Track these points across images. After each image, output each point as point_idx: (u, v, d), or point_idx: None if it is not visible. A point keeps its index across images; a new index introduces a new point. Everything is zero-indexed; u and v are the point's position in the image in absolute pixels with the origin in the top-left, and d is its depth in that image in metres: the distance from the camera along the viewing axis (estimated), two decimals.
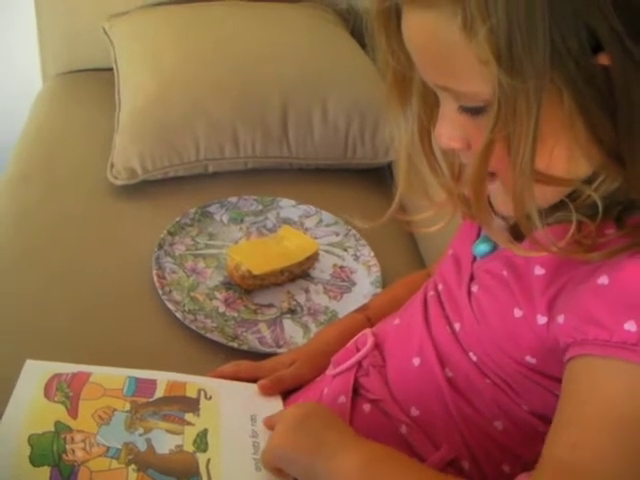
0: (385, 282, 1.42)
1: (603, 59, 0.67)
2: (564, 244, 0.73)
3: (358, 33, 1.95)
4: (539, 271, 0.79)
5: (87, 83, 2.03)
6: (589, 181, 0.74)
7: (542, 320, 0.78)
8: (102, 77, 1.93)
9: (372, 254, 1.49)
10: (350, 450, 0.77)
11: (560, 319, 0.75)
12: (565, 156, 0.72)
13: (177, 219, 1.51)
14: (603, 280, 0.72)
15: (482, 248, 0.88)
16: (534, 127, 0.68)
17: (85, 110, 1.90)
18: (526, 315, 0.79)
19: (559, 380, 0.77)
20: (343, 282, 1.45)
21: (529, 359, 0.80)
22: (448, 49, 0.70)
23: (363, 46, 1.86)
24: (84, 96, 1.97)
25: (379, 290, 1.39)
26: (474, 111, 0.73)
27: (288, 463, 0.82)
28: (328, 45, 1.84)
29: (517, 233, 0.79)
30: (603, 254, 0.72)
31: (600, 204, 0.72)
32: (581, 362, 0.73)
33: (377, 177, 1.74)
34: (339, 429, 0.81)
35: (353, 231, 1.54)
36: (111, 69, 1.85)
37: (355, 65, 1.80)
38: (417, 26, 0.73)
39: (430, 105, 0.82)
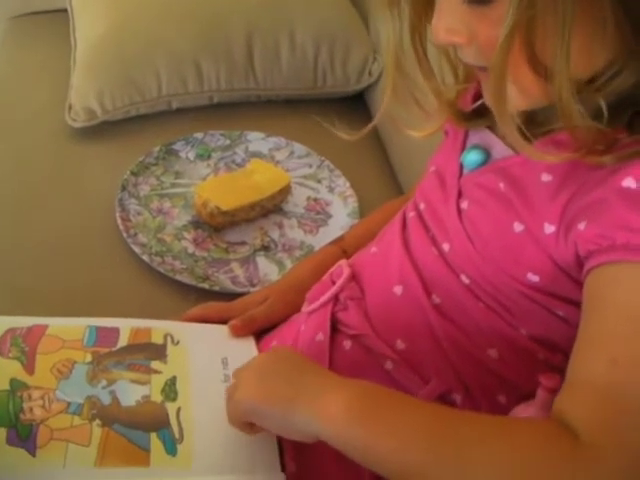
0: (363, 213, 1.36)
1: None
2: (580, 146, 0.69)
3: None
4: (546, 177, 0.74)
5: (43, 25, 1.94)
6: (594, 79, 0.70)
7: (550, 229, 0.73)
8: (58, 18, 1.84)
9: (348, 184, 1.43)
10: (333, 391, 0.70)
11: (581, 226, 0.70)
12: (586, 45, 0.67)
13: (140, 159, 1.44)
14: (629, 183, 0.67)
15: (473, 157, 0.83)
16: (572, 5, 0.64)
17: (42, 53, 1.82)
18: (529, 228, 0.75)
19: (564, 299, 0.74)
20: (318, 215, 1.39)
21: (531, 277, 0.75)
22: None
23: None
24: (40, 39, 1.89)
25: (357, 222, 1.33)
26: (483, 0, 0.69)
27: (260, 416, 0.75)
28: None
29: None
30: (616, 157, 0.68)
31: (604, 105, 0.68)
32: (611, 269, 0.68)
33: (350, 106, 1.67)
34: (316, 372, 0.75)
35: (327, 162, 1.48)
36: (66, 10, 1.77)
37: None
38: None
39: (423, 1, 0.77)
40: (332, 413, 0.69)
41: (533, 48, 0.67)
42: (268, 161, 1.47)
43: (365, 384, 0.73)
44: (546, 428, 0.65)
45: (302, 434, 0.72)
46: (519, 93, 0.70)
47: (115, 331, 0.92)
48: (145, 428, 0.81)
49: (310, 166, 1.49)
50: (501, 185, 0.78)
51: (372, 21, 1.69)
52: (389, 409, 0.69)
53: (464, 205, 0.83)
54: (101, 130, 1.54)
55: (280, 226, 1.36)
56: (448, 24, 0.72)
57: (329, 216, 1.39)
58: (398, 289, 0.86)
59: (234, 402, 0.78)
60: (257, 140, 1.53)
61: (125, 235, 1.29)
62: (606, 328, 0.66)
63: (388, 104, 0.83)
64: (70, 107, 1.54)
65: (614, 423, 0.63)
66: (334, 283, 0.92)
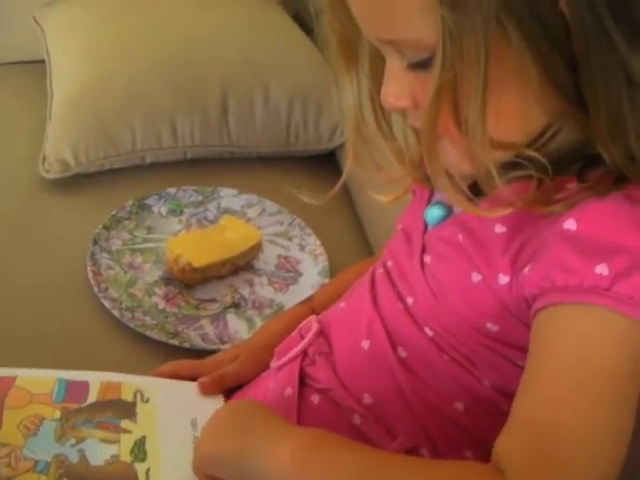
0: (333, 272, 1.37)
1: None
2: (527, 199, 0.71)
3: (300, 17, 1.91)
4: (500, 229, 0.75)
5: (19, 75, 1.94)
6: (540, 135, 0.72)
7: (504, 280, 0.74)
8: (36, 69, 1.85)
9: (318, 243, 1.44)
10: (280, 439, 0.72)
11: (526, 270, 0.71)
12: (516, 108, 0.70)
13: (113, 212, 1.44)
14: (569, 225, 0.69)
15: (434, 213, 0.85)
16: (484, 66, 0.65)
17: (17, 103, 1.83)
18: (486, 278, 0.76)
19: (522, 349, 0.74)
20: (288, 273, 1.40)
21: (490, 326, 0.76)
22: None
23: (305, 30, 1.82)
24: (16, 89, 1.89)
25: (327, 280, 1.34)
26: (421, 65, 0.71)
27: (217, 466, 0.77)
28: (269, 29, 1.79)
29: (475, 193, 0.75)
30: (565, 205, 0.69)
31: (546, 162, 0.70)
32: (551, 311, 0.69)
33: (322, 164, 1.69)
34: (269, 419, 0.76)
35: (298, 220, 1.49)
36: (44, 61, 1.77)
37: (297, 49, 1.75)
38: None
39: (379, 69, 0.79)
40: (278, 460, 0.70)
41: (458, 109, 0.69)
42: (240, 218, 1.48)
43: (312, 432, 0.74)
44: (474, 467, 0.67)
45: None
46: (453, 153, 0.72)
47: (85, 385, 0.91)
48: None
49: (281, 224, 1.50)
50: (460, 237, 0.80)
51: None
52: (327, 455, 0.70)
53: (427, 259, 0.84)
54: (74, 182, 1.54)
55: (250, 283, 1.36)
56: (395, 90, 0.74)
57: (299, 274, 1.40)
58: (366, 343, 0.86)
59: (196, 455, 0.80)
60: (229, 197, 1.54)
61: (96, 289, 1.28)
62: (541, 368, 0.68)
63: (350, 169, 0.85)
64: (44, 158, 1.54)
65: (538, 460, 0.63)
66: (303, 338, 0.92)
